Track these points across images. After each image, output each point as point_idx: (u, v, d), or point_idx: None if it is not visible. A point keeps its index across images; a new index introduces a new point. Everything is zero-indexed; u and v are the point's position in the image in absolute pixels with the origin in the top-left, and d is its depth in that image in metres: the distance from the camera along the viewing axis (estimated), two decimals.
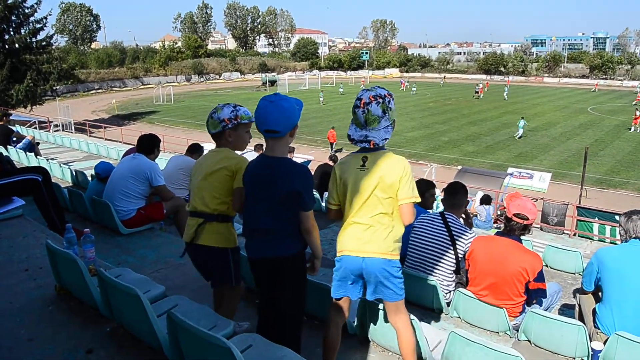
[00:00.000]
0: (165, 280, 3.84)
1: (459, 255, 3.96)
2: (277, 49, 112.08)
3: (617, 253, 3.35)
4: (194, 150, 6.59)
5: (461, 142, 28.87)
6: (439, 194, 12.28)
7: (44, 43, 31.87)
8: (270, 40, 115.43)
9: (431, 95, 54.30)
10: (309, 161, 16.28)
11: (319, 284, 3.25)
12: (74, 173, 8.52)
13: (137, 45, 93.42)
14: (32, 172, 4.98)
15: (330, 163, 9.76)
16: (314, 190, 2.73)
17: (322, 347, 2.81)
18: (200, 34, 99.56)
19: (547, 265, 5.74)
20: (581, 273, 5.39)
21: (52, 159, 11.40)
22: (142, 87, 68.63)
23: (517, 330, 3.62)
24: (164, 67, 75.29)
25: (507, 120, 36.69)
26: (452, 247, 3.95)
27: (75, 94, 59.13)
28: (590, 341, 3.22)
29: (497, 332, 3.71)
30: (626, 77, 73.36)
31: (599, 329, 3.37)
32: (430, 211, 4.68)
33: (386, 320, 2.88)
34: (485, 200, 11.24)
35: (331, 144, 25.91)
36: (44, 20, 31.40)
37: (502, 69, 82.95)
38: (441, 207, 4.35)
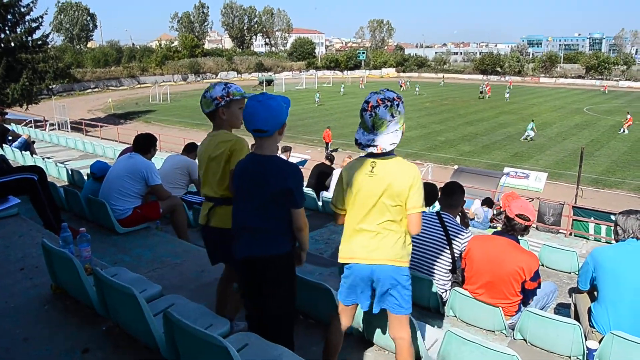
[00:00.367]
0: (161, 280, 3.83)
1: (455, 255, 3.97)
2: (273, 49, 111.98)
3: (613, 252, 3.36)
4: (191, 149, 6.60)
5: (457, 141, 28.91)
6: None
7: (40, 42, 31.71)
8: (267, 39, 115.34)
9: (429, 95, 54.23)
10: (305, 160, 16.29)
11: (314, 283, 3.26)
12: (69, 172, 8.49)
13: (133, 44, 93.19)
14: (28, 171, 4.97)
15: (327, 163, 9.74)
16: (304, 188, 2.73)
17: (324, 349, 2.80)
18: (197, 34, 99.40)
19: (543, 265, 5.75)
20: (577, 272, 5.41)
21: (48, 158, 11.35)
22: (139, 86, 68.48)
23: (513, 329, 3.63)
24: (160, 66, 75.12)
25: (504, 120, 36.78)
26: (448, 247, 3.96)
27: (72, 93, 58.99)
28: (586, 340, 3.24)
29: (493, 331, 3.73)
30: (622, 78, 73.59)
31: (594, 328, 3.39)
32: (427, 210, 4.69)
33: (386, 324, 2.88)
34: (487, 202, 11.26)
35: (327, 143, 25.88)
36: (40, 19, 31.26)
37: (498, 69, 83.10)
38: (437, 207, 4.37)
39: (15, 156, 9.62)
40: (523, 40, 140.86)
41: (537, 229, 12.13)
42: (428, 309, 4.03)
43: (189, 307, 2.92)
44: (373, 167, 2.53)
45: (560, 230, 12.39)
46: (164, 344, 2.41)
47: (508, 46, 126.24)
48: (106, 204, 5.09)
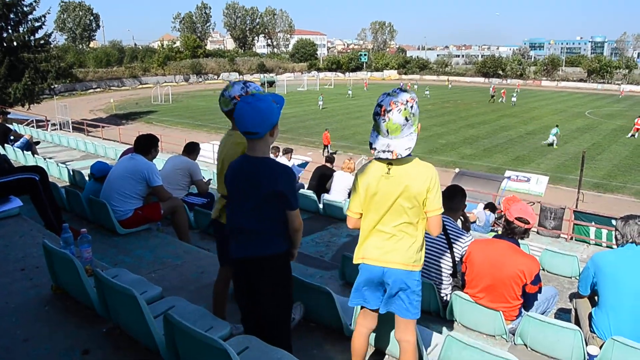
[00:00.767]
0: (162, 281, 3.83)
1: (456, 259, 3.97)
2: (275, 50, 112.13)
3: (613, 257, 3.36)
4: (191, 150, 6.58)
5: (459, 144, 28.91)
6: None
7: (42, 41, 31.78)
8: (269, 41, 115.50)
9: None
10: (306, 163, 16.27)
11: (315, 286, 3.26)
12: (71, 172, 8.50)
13: (135, 44, 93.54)
14: (30, 171, 4.98)
15: (328, 165, 9.74)
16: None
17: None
18: (199, 34, 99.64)
19: (543, 269, 5.74)
20: (577, 277, 5.40)
21: (50, 158, 11.37)
22: (141, 86, 68.56)
23: (514, 334, 3.62)
24: (162, 66, 75.23)
25: (505, 123, 36.76)
26: (449, 251, 3.96)
27: (73, 92, 59.06)
28: (586, 345, 3.23)
29: (494, 336, 3.72)
30: (624, 82, 73.54)
31: (595, 333, 3.38)
32: None
33: (391, 328, 2.88)
34: (490, 206, 11.25)
35: (325, 146, 25.79)
36: (43, 19, 31.33)
37: (500, 72, 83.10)
38: None
39: (17, 156, 9.63)
40: (525, 43, 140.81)
41: (538, 233, 12.11)
42: (429, 313, 4.03)
43: (189, 309, 2.92)
44: (389, 169, 2.46)
45: (561, 235, 12.37)
46: (164, 346, 2.41)
47: (510, 49, 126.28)
48: (107, 205, 5.09)
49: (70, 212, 6.09)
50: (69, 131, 26.86)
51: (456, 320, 3.93)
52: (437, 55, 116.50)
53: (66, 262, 2.93)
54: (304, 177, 12.31)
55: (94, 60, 70.45)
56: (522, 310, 3.68)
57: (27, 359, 2.56)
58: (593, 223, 11.93)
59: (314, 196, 8.16)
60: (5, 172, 4.91)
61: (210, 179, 7.79)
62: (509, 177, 18.55)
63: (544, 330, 3.37)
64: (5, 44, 29.54)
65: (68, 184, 8.41)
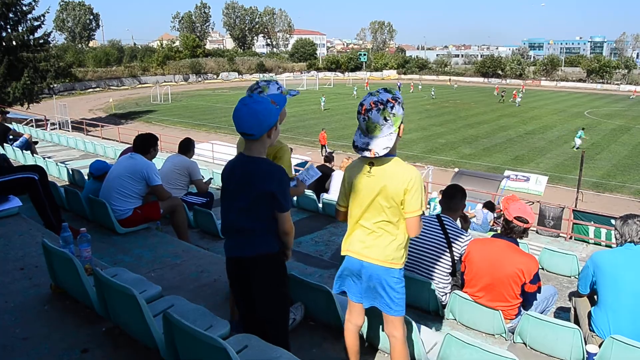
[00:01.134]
0: (161, 280, 3.83)
1: (455, 258, 3.97)
2: (275, 50, 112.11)
3: (613, 257, 3.37)
4: (186, 148, 6.53)
5: (458, 144, 28.93)
6: (436, 196, 12.31)
7: (41, 41, 31.73)
8: (269, 40, 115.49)
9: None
10: (306, 162, 16.27)
11: (314, 285, 3.26)
12: (70, 172, 8.50)
13: (135, 44, 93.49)
14: (29, 171, 4.97)
15: (327, 164, 9.74)
16: (289, 191, 2.70)
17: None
18: (198, 34, 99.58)
19: (543, 268, 5.75)
20: (577, 276, 5.40)
21: (49, 157, 11.37)
22: (140, 86, 68.56)
23: (513, 333, 3.63)
24: (161, 66, 75.22)
25: (505, 123, 36.80)
26: (448, 250, 3.96)
27: (73, 92, 59.08)
28: (586, 344, 3.23)
29: (493, 335, 3.72)
30: (623, 82, 73.64)
31: (594, 332, 3.39)
32: (427, 212, 4.68)
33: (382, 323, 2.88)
34: (488, 205, 11.26)
35: (322, 146, 25.72)
36: (42, 18, 31.31)
37: (499, 72, 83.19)
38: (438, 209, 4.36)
39: (16, 155, 9.62)
40: (524, 43, 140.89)
41: (537, 232, 12.12)
42: (428, 312, 4.03)
43: (188, 308, 2.91)
44: (371, 168, 2.53)
45: (561, 234, 12.37)
46: (164, 345, 2.41)
47: (509, 49, 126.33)
48: (107, 204, 5.09)
49: (69, 212, 6.09)
50: (68, 130, 26.84)
51: (455, 319, 3.93)
52: (437, 55, 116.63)
53: (65, 261, 2.93)
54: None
55: (93, 60, 70.41)
56: (522, 309, 3.69)
57: (27, 358, 2.56)
58: (592, 222, 11.93)
59: (314, 195, 8.16)
60: (4, 172, 4.90)
61: (211, 179, 7.80)
62: (508, 177, 18.57)
63: (543, 329, 3.38)
64: (4, 44, 29.50)
65: (67, 183, 8.41)
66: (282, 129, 2.75)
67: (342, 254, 2.71)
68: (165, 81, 68.91)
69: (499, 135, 31.61)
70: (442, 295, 4.01)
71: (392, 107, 2.41)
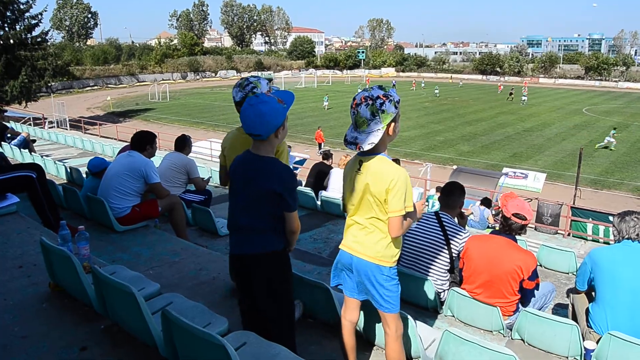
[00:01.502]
0: (159, 278, 3.82)
1: (453, 255, 3.98)
2: (273, 47, 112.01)
3: (610, 253, 3.37)
4: (182, 145, 6.53)
5: (456, 141, 28.94)
6: (434, 193, 12.32)
7: (39, 39, 31.70)
8: (267, 38, 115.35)
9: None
10: (304, 160, 16.29)
11: (313, 282, 3.26)
12: (68, 170, 8.49)
13: (132, 42, 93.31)
14: (27, 169, 4.97)
15: (326, 162, 9.73)
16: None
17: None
18: (196, 32, 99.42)
19: (541, 265, 5.76)
20: (575, 273, 5.41)
21: (47, 155, 11.35)
22: (138, 84, 68.47)
23: (511, 329, 3.64)
24: (159, 64, 75.12)
25: (503, 120, 36.81)
26: (446, 247, 3.96)
27: (71, 90, 58.97)
28: (583, 340, 3.24)
29: (491, 331, 3.73)
30: (621, 79, 73.72)
31: (591, 328, 3.40)
32: (426, 209, 4.68)
33: (378, 319, 2.88)
34: (485, 202, 11.28)
35: (319, 144, 25.61)
36: (39, 17, 31.26)
37: (498, 69, 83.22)
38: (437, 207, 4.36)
39: (14, 154, 9.61)
40: (522, 41, 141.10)
41: (535, 229, 12.14)
42: (426, 309, 4.04)
43: (187, 305, 2.92)
44: (360, 165, 2.55)
45: (559, 231, 12.40)
46: (162, 342, 2.41)
47: (507, 46, 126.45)
48: (105, 202, 5.08)
49: (67, 210, 6.08)
50: (66, 129, 26.78)
51: (454, 316, 3.94)
52: (435, 52, 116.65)
53: (64, 259, 2.92)
54: (302, 174, 12.31)
55: (91, 58, 70.28)
56: (520, 305, 3.69)
57: (25, 356, 2.56)
58: (590, 219, 11.96)
59: (312, 193, 8.16)
60: (2, 170, 4.90)
61: (210, 177, 7.79)
62: (506, 174, 18.59)
63: (541, 325, 3.38)
64: (1, 42, 29.43)
65: (65, 181, 8.40)
66: None
67: (340, 247, 2.74)
68: (163, 79, 68.83)
69: (497, 133, 31.63)
70: (441, 292, 4.02)
71: (381, 104, 2.40)
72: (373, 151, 2.48)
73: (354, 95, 2.50)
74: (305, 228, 6.66)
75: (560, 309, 4.47)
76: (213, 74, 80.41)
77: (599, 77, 75.31)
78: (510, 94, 50.84)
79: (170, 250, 4.79)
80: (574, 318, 3.65)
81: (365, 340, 3.18)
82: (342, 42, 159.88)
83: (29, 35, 30.99)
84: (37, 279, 3.43)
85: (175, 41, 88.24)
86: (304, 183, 9.51)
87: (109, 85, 66.10)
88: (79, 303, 3.07)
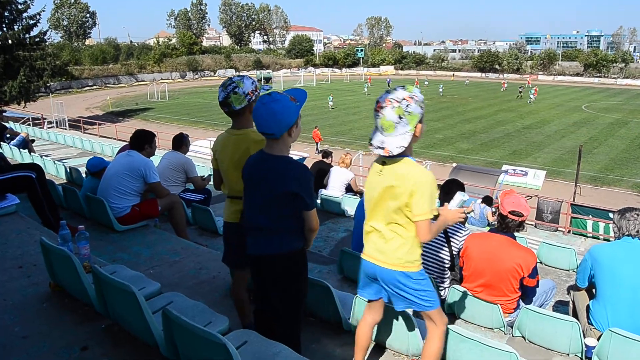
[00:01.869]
0: (160, 278, 3.83)
1: (453, 252, 3.97)
2: (271, 46, 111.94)
3: (611, 250, 3.37)
4: (179, 144, 6.53)
5: (456, 139, 28.95)
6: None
7: (37, 39, 31.62)
8: (265, 37, 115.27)
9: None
10: (304, 158, 16.23)
11: (313, 280, 3.25)
12: (68, 170, 8.48)
13: (131, 41, 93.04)
14: (26, 169, 4.96)
15: (326, 160, 9.72)
16: (313, 188, 2.66)
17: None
18: (194, 31, 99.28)
19: (541, 262, 5.76)
20: (575, 270, 5.42)
21: (46, 155, 11.34)
22: (137, 83, 68.39)
23: (512, 327, 3.64)
24: (158, 63, 75.01)
25: (502, 118, 36.81)
26: (446, 244, 3.96)
27: (69, 90, 58.86)
28: (584, 337, 3.24)
29: (492, 329, 3.73)
30: (620, 75, 73.73)
31: (592, 325, 3.40)
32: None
33: (389, 319, 2.88)
34: (486, 200, 11.27)
35: (316, 143, 25.45)
36: (38, 17, 31.19)
37: (497, 66, 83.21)
38: None
39: (13, 154, 9.60)
40: (521, 38, 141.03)
41: (535, 226, 12.15)
42: None
43: (187, 305, 2.92)
44: (382, 168, 2.46)
45: (559, 228, 12.41)
46: (163, 342, 2.41)
47: (506, 43, 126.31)
48: (105, 202, 5.08)
49: (67, 210, 6.08)
50: (66, 129, 26.76)
51: (454, 314, 3.94)
52: (434, 50, 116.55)
53: (64, 259, 2.92)
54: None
55: (90, 58, 70.14)
56: (520, 302, 3.69)
57: (26, 356, 2.56)
58: (590, 216, 11.97)
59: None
60: (1, 170, 4.89)
61: (209, 175, 7.78)
62: (506, 172, 18.60)
63: (542, 322, 3.38)
64: (0, 42, 29.38)
65: (65, 181, 8.39)
66: None
67: (362, 256, 2.67)
68: (162, 78, 68.77)
69: (497, 130, 31.63)
70: (441, 290, 4.02)
71: (407, 105, 2.31)
72: (393, 155, 2.39)
73: (377, 98, 2.39)
74: None
75: (561, 306, 4.47)
76: (212, 73, 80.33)
77: (598, 74, 75.33)
78: (520, 92, 50.57)
79: (171, 249, 4.79)
80: (575, 315, 3.66)
81: (376, 342, 3.17)
82: (340, 40, 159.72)
83: (27, 36, 30.88)
84: (37, 279, 3.43)
85: (174, 40, 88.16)
86: None
87: (108, 85, 66.02)
88: (80, 303, 3.07)
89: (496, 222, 3.81)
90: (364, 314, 2.81)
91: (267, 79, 62.59)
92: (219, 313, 2.88)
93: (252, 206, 2.58)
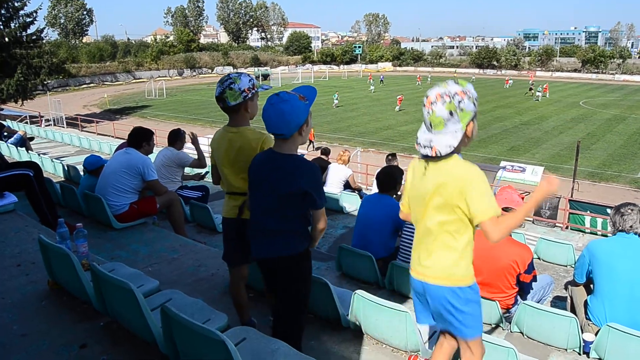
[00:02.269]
0: (158, 275, 3.83)
1: None
2: (269, 43, 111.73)
3: (608, 246, 3.38)
4: (174, 139, 6.53)
5: None
6: None
7: (34, 37, 31.56)
8: (263, 34, 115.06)
9: None
10: (302, 155, 16.22)
11: (313, 277, 3.24)
12: (65, 168, 8.48)
13: (128, 39, 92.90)
14: (24, 167, 4.95)
15: (324, 157, 9.73)
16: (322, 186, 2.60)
17: None
18: (192, 28, 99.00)
19: (539, 258, 5.77)
20: (573, 265, 5.43)
21: (44, 153, 11.32)
22: (134, 81, 68.24)
23: (510, 322, 3.64)
24: (155, 61, 74.86)
25: (500, 114, 36.80)
26: None
27: (67, 88, 58.70)
28: (582, 332, 3.26)
29: (490, 324, 3.74)
30: (618, 71, 73.79)
31: (590, 320, 3.41)
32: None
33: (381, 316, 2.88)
34: None
35: (311, 141, 25.19)
36: (34, 14, 31.14)
37: (495, 63, 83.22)
38: None
39: (10, 152, 9.58)
40: (519, 34, 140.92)
41: (533, 222, 12.17)
42: None
43: (186, 302, 2.92)
44: (426, 168, 2.21)
45: (557, 224, 12.43)
46: (162, 339, 2.41)
47: (504, 40, 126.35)
48: (102, 200, 5.07)
49: (65, 208, 6.07)
50: (63, 127, 26.71)
51: None
52: (432, 46, 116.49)
53: (62, 257, 2.92)
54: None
55: (87, 56, 69.98)
56: (518, 298, 3.70)
57: (25, 354, 2.56)
58: (588, 212, 11.99)
59: None
60: None
61: (207, 172, 7.76)
62: (504, 168, 18.63)
63: (540, 318, 3.39)
64: None
65: (63, 179, 8.38)
66: None
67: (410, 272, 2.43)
68: (159, 76, 68.63)
69: (495, 126, 31.62)
70: None
71: (459, 101, 2.06)
72: (441, 155, 2.13)
73: (427, 93, 2.15)
74: None
75: (558, 302, 4.48)
76: (209, 70, 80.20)
77: (596, 70, 75.38)
78: (530, 89, 49.96)
79: (169, 246, 4.79)
80: (573, 310, 3.66)
81: (373, 337, 3.18)
82: (338, 37, 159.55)
83: (24, 33, 30.84)
84: (36, 277, 3.43)
85: (171, 38, 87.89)
86: None
87: (105, 83, 65.90)
88: (78, 301, 3.07)
89: None
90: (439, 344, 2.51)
91: (265, 76, 62.51)
92: (217, 310, 2.88)
93: (259, 207, 2.56)
